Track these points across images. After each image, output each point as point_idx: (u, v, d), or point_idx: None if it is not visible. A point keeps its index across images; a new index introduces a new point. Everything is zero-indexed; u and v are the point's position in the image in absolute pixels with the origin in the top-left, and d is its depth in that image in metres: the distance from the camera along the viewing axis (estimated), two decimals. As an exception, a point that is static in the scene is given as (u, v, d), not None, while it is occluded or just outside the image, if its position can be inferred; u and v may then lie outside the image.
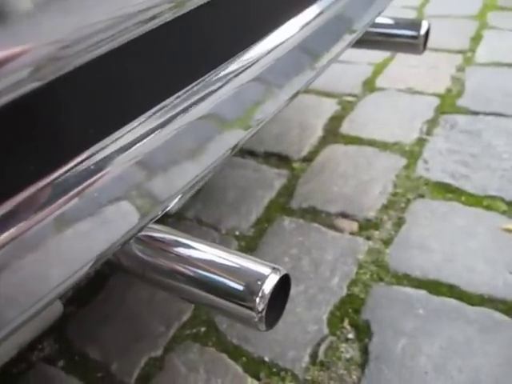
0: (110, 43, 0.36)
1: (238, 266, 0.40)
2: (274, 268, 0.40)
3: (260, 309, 0.37)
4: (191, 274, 0.41)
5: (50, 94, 0.34)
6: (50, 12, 0.32)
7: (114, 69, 0.39)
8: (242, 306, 0.38)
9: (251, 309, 0.38)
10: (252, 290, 0.38)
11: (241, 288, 0.39)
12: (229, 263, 0.41)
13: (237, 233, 1.00)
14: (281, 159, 1.19)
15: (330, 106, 1.36)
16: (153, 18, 0.39)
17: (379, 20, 0.91)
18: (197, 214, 1.05)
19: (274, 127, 1.29)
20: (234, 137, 0.50)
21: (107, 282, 0.93)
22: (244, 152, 1.22)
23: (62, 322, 0.86)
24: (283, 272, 0.40)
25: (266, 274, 0.39)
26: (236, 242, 0.98)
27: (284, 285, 0.41)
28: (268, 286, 0.38)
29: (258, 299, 0.38)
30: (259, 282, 0.38)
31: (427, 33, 0.88)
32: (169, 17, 0.41)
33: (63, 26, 0.33)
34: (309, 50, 0.64)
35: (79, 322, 0.87)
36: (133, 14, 0.37)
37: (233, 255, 0.42)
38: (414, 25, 0.89)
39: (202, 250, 0.42)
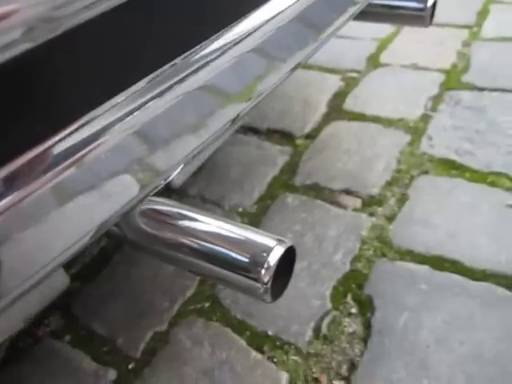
0: (104, 4, 0.35)
1: (243, 238, 0.40)
2: (279, 240, 0.40)
3: (265, 280, 0.38)
4: (196, 246, 0.41)
5: (47, 56, 0.33)
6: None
7: (112, 31, 0.38)
8: (248, 277, 0.39)
9: (257, 280, 0.38)
10: (257, 261, 0.38)
11: (246, 260, 0.39)
12: (234, 235, 0.41)
13: (240, 209, 1.00)
14: (284, 136, 1.18)
15: (334, 82, 1.34)
16: None
17: (383, -9, 0.89)
18: (200, 190, 1.05)
19: (277, 104, 1.27)
20: (234, 108, 0.49)
21: (111, 259, 0.93)
22: (247, 129, 1.21)
23: (68, 298, 0.87)
24: (288, 244, 0.40)
25: (272, 245, 0.39)
26: (239, 219, 0.98)
27: (289, 257, 0.41)
28: (273, 258, 0.38)
29: (263, 270, 0.38)
30: (264, 254, 0.38)
31: (434, 5, 0.86)
32: None
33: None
34: (310, 21, 0.63)
35: (85, 298, 0.88)
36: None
37: (238, 227, 0.42)
38: (421, -4, 0.86)
39: (207, 223, 0.42)
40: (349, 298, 0.81)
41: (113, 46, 0.38)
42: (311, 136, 1.16)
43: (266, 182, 1.05)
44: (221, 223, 0.42)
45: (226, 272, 0.40)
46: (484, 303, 0.77)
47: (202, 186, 1.06)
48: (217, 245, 0.40)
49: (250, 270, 0.38)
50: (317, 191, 1.01)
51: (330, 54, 1.43)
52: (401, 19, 0.91)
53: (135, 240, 0.44)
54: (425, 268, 0.83)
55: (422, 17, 0.86)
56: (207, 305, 0.83)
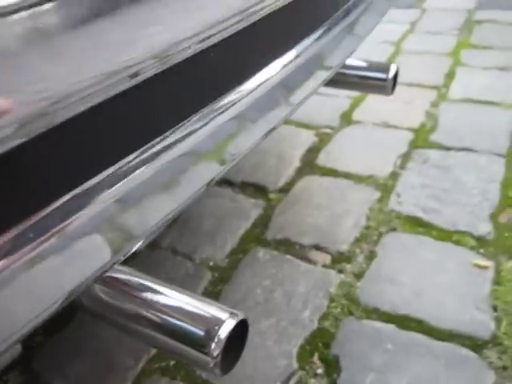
0: (96, 98, 0.37)
1: (198, 310, 0.41)
2: (231, 313, 0.40)
3: (215, 354, 0.38)
4: (152, 318, 0.41)
5: (31, 145, 0.34)
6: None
7: (98, 119, 0.40)
8: (199, 351, 0.39)
9: (207, 354, 0.38)
10: (209, 334, 0.39)
11: (199, 333, 0.39)
12: (190, 308, 0.41)
13: (211, 263, 1.00)
14: (257, 189, 1.20)
15: (308, 138, 1.39)
16: (136, 74, 0.41)
17: (351, 62, 0.94)
18: (172, 242, 1.06)
19: (252, 157, 1.31)
20: (210, 172, 0.51)
21: (77, 314, 0.92)
22: (221, 181, 1.23)
23: (29, 353, 0.85)
24: (241, 317, 0.40)
25: (223, 318, 0.39)
26: (210, 273, 0.98)
27: (242, 330, 0.42)
28: (224, 331, 0.38)
29: (213, 344, 0.38)
30: (216, 327, 0.39)
31: (395, 76, 0.92)
32: (151, 72, 0.43)
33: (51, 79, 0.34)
34: (283, 91, 0.66)
35: (47, 353, 0.85)
36: (118, 71, 0.39)
37: (195, 300, 0.42)
38: (383, 68, 0.92)
39: (165, 294, 0.42)
40: (315, 358, 0.81)
41: (103, 128, 0.40)
42: (284, 190, 1.19)
43: (238, 236, 1.07)
44: (178, 294, 0.42)
45: (179, 345, 0.40)
46: (448, 364, 0.78)
47: (174, 237, 1.07)
48: (171, 317, 0.41)
49: (201, 343, 0.39)
50: (287, 246, 1.02)
51: (305, 109, 1.48)
52: (366, 87, 0.96)
53: (91, 308, 0.44)
54: (391, 327, 0.84)
55: (385, 86, 0.91)
56: (172, 363, 0.81)
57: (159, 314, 0.40)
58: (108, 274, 0.44)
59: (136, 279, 0.43)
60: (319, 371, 0.79)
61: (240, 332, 0.41)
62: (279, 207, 1.14)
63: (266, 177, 1.24)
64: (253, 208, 1.14)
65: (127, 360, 0.82)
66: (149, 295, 0.42)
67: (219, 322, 0.39)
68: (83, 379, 0.80)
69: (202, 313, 0.40)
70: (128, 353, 0.83)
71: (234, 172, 1.25)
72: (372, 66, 0.93)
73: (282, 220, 1.10)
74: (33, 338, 0.87)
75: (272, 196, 1.17)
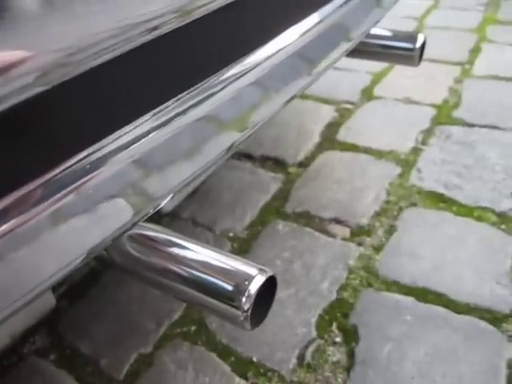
0: (111, 52, 0.37)
1: (226, 266, 0.42)
2: (260, 269, 0.41)
3: (246, 308, 0.39)
4: (181, 272, 0.42)
5: (49, 95, 0.35)
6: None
7: (117, 73, 0.40)
8: (229, 304, 0.40)
9: (237, 308, 0.39)
10: (239, 289, 0.39)
11: (228, 287, 0.40)
12: (218, 263, 0.42)
13: (231, 234, 1.01)
14: (277, 163, 1.20)
15: (328, 113, 1.38)
16: (155, 28, 0.41)
17: (376, 31, 0.92)
18: (192, 214, 1.07)
19: (272, 132, 1.30)
20: (230, 138, 0.52)
21: (100, 279, 0.94)
22: (241, 155, 1.23)
23: (55, 317, 0.87)
24: (270, 273, 0.41)
25: (253, 274, 0.40)
26: (229, 244, 0.99)
27: (270, 286, 0.42)
28: (254, 287, 0.39)
29: (244, 299, 0.39)
30: (246, 282, 0.39)
31: (423, 46, 0.90)
32: (171, 26, 0.43)
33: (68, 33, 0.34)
34: (305, 57, 0.66)
35: (71, 317, 0.88)
36: (137, 24, 0.39)
37: (222, 256, 0.43)
38: (411, 37, 0.90)
39: (193, 250, 0.43)
40: (334, 327, 0.82)
41: (117, 85, 0.40)
42: (304, 164, 1.19)
43: (257, 208, 1.07)
44: (206, 250, 0.43)
45: (208, 298, 0.41)
46: (467, 336, 0.78)
47: (194, 210, 1.08)
48: (201, 272, 0.42)
49: (231, 297, 0.40)
50: (307, 219, 1.03)
51: (325, 84, 1.47)
52: (391, 58, 0.94)
53: (122, 264, 0.45)
54: (410, 299, 0.84)
55: (411, 57, 0.89)
56: (193, 328, 0.83)
57: (191, 270, 0.41)
58: (138, 231, 0.45)
59: (167, 236, 0.44)
60: (338, 340, 0.80)
61: (268, 288, 0.42)
62: (299, 181, 1.14)
63: (285, 151, 1.23)
64: (272, 181, 1.15)
65: (149, 324, 0.84)
66: (180, 251, 0.43)
67: (249, 278, 0.40)
68: (106, 342, 0.83)
69: (232, 268, 0.41)
70: (150, 317, 0.85)
71: (254, 146, 1.25)
72: (399, 36, 0.91)
73: (301, 194, 1.10)
74: (58, 303, 0.89)
75: (291, 170, 1.17)
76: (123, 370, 0.78)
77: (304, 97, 1.45)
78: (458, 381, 0.72)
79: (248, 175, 1.17)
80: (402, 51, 0.90)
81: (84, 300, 0.90)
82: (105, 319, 0.86)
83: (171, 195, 0.44)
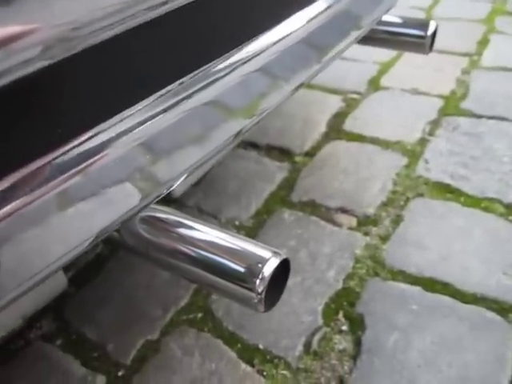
0: (118, 27, 0.37)
1: (240, 248, 0.41)
2: (274, 252, 0.41)
3: (260, 290, 0.39)
4: (194, 254, 0.42)
5: (57, 73, 0.35)
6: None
7: (122, 52, 0.40)
8: (243, 287, 0.40)
9: (251, 290, 0.39)
10: (253, 271, 0.39)
11: (242, 269, 0.40)
12: (231, 245, 0.42)
13: (236, 223, 1.01)
14: (283, 153, 1.20)
15: (335, 103, 1.37)
16: (162, 3, 0.40)
17: (387, 18, 0.91)
18: (197, 202, 1.07)
19: (278, 121, 1.30)
20: (238, 124, 0.51)
21: (107, 265, 0.94)
22: (247, 144, 1.23)
23: (61, 303, 0.87)
24: (284, 256, 0.41)
25: (267, 257, 0.40)
26: (235, 232, 0.99)
27: (284, 269, 0.42)
28: (268, 269, 0.39)
29: (258, 281, 0.39)
30: (260, 265, 0.39)
31: (434, 33, 0.89)
32: (179, 3, 0.42)
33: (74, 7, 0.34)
34: (314, 44, 0.65)
35: (77, 303, 0.88)
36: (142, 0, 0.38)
37: (235, 238, 0.43)
38: (422, 25, 0.89)
39: (205, 232, 0.43)
40: (340, 315, 0.82)
41: (125, 65, 0.39)
42: (310, 154, 1.18)
43: (263, 197, 1.07)
44: (219, 233, 0.43)
45: (221, 281, 0.41)
46: (473, 326, 0.78)
47: (199, 198, 1.08)
48: (214, 253, 0.41)
49: (245, 279, 0.40)
50: (313, 208, 1.03)
51: (332, 75, 1.46)
52: (402, 45, 0.93)
53: (134, 246, 0.45)
54: (416, 289, 0.84)
55: (423, 44, 0.88)
56: (200, 315, 0.83)
57: (205, 252, 0.41)
58: (149, 213, 0.45)
59: (180, 218, 0.44)
60: (344, 328, 0.80)
61: (282, 271, 0.41)
62: (305, 171, 1.13)
63: (291, 140, 1.23)
64: (278, 171, 1.14)
65: (156, 310, 0.84)
66: (192, 233, 0.42)
67: (263, 260, 0.39)
68: (112, 328, 0.83)
69: (246, 250, 0.41)
70: (156, 304, 0.85)
71: (260, 135, 1.25)
72: (410, 23, 0.90)
73: (307, 183, 1.09)
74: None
75: (297, 159, 1.17)
76: (130, 356, 0.78)
77: (311, 87, 1.44)
78: (464, 370, 0.72)
79: (253, 164, 1.17)
80: (414, 38, 0.89)
81: (90, 286, 0.90)
82: (111, 305, 0.86)
83: (181, 178, 0.44)
